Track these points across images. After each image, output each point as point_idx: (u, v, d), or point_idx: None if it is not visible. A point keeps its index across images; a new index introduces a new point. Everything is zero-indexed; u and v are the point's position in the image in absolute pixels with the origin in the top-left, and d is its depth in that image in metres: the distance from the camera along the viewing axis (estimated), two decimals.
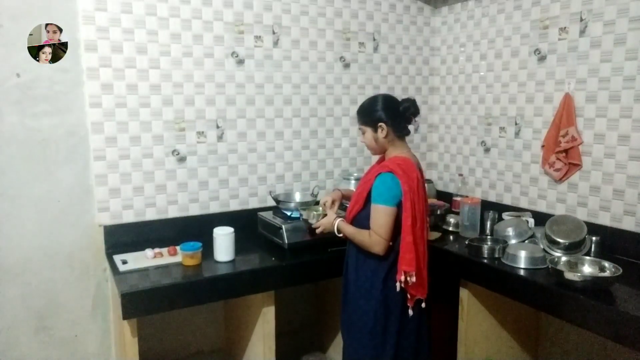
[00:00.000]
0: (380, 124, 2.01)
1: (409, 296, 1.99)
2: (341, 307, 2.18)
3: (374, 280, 2.01)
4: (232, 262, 2.29)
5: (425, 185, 2.15)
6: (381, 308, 2.00)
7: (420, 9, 3.24)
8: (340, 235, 2.12)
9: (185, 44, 2.54)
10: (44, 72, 2.27)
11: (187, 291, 2.09)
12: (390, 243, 1.96)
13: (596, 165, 2.42)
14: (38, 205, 2.33)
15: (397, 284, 1.96)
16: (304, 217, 2.34)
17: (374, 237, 1.95)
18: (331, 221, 2.16)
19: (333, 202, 2.24)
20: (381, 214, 1.94)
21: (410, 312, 2.01)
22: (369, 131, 2.06)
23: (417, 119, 2.11)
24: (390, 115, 2.02)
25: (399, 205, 1.94)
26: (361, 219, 2.04)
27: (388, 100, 2.07)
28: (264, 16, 2.73)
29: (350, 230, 2.07)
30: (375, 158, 2.26)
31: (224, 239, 2.28)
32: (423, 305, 2.03)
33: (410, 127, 2.12)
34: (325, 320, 2.99)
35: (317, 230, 2.24)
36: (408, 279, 1.93)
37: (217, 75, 2.65)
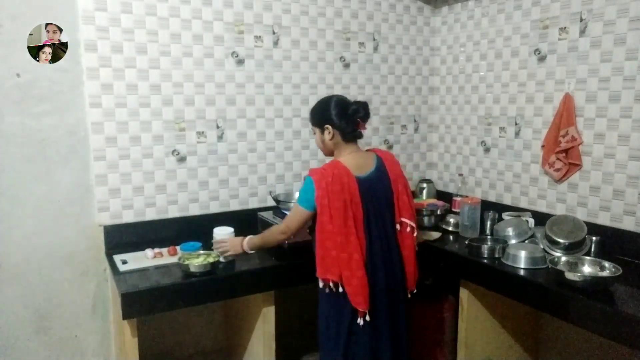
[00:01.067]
0: (326, 125, 1.99)
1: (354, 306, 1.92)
2: None
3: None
4: (232, 261, 2.28)
5: (394, 184, 2.03)
6: (332, 311, 1.97)
7: (420, 9, 3.24)
8: (252, 251, 2.15)
9: (185, 44, 2.54)
10: (44, 72, 2.27)
11: (187, 291, 2.09)
12: (292, 237, 2.06)
13: (596, 165, 2.42)
14: (38, 205, 2.33)
15: (326, 290, 1.93)
16: (186, 262, 2.14)
17: (280, 226, 2.04)
18: (238, 242, 2.16)
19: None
20: (294, 211, 2.01)
21: (360, 321, 1.91)
22: (318, 132, 2.05)
23: (366, 124, 2.03)
24: (338, 117, 1.97)
25: (316, 210, 1.93)
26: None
27: (338, 102, 2.01)
28: (264, 16, 2.73)
29: (258, 238, 2.12)
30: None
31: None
32: (361, 322, 1.90)
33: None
34: None
35: (225, 255, 2.22)
36: (331, 285, 1.90)
37: (217, 75, 2.65)
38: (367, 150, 2.11)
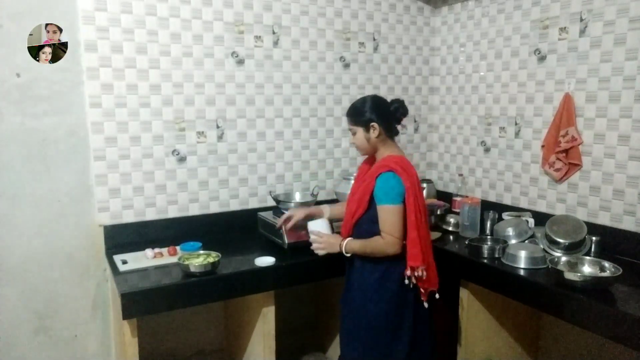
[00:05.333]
0: (372, 123, 2.02)
1: (422, 290, 2.02)
2: (341, 308, 2.17)
3: (382, 282, 2.00)
4: (232, 261, 2.28)
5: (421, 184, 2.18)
6: (392, 308, 2.00)
7: (420, 9, 3.24)
8: (349, 255, 2.06)
9: (185, 44, 2.54)
10: (44, 72, 2.27)
11: (187, 291, 2.09)
12: (404, 241, 1.96)
13: (596, 165, 2.42)
14: (38, 205, 2.33)
15: (406, 280, 1.97)
16: (186, 262, 2.11)
17: (388, 239, 1.95)
18: (336, 243, 2.07)
19: (288, 220, 2.25)
20: (390, 214, 1.94)
21: (426, 304, 2.05)
22: (360, 131, 2.06)
23: (404, 122, 2.15)
24: (381, 115, 2.03)
25: (404, 203, 1.95)
26: (364, 222, 2.03)
27: (378, 101, 2.08)
28: (264, 16, 2.73)
29: (358, 245, 2.02)
30: (361, 159, 2.25)
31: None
32: (437, 296, 2.06)
33: (400, 128, 2.16)
34: (325, 320, 2.99)
35: (320, 253, 2.13)
36: (417, 273, 1.95)
37: (217, 75, 2.65)
38: None
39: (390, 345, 2.02)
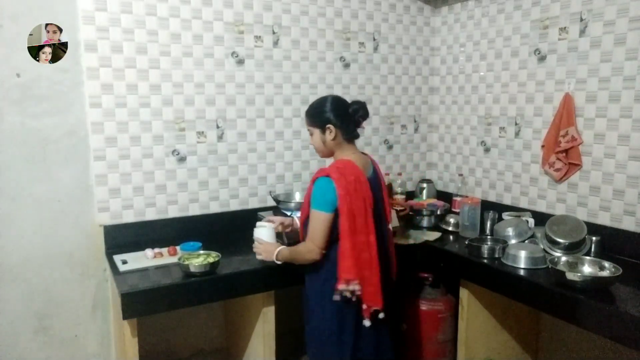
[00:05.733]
0: (328, 125, 1.96)
1: (364, 306, 1.90)
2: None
3: (324, 288, 1.93)
4: (231, 261, 2.28)
5: (383, 186, 2.09)
6: (335, 317, 1.93)
7: (420, 9, 3.24)
8: (279, 262, 2.05)
9: (185, 44, 2.54)
10: (44, 72, 2.26)
11: (187, 291, 2.09)
12: (324, 251, 1.90)
13: (596, 165, 2.42)
14: (38, 205, 2.33)
15: (336, 296, 1.86)
16: (186, 262, 2.12)
17: (308, 245, 1.90)
18: (273, 251, 2.05)
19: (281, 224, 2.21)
20: (315, 220, 1.89)
21: (367, 322, 1.90)
22: (316, 133, 2.00)
23: (366, 124, 2.03)
24: (339, 117, 1.95)
25: (337, 211, 1.86)
26: (308, 222, 1.97)
27: (337, 102, 1.99)
28: (264, 16, 2.73)
29: (287, 253, 2.01)
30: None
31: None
32: (381, 315, 1.91)
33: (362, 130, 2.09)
34: None
35: (258, 258, 2.14)
36: (350, 287, 1.84)
37: (217, 75, 2.65)
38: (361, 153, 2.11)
39: (333, 358, 1.96)
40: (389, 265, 2.08)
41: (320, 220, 1.87)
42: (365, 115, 2.00)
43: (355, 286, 1.85)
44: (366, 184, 1.93)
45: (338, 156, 2.01)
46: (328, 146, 2.01)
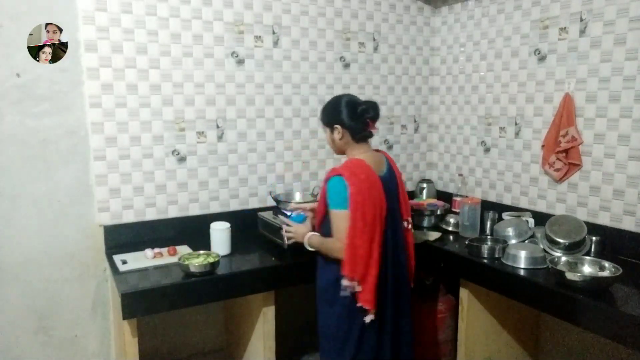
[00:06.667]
0: (336, 125, 1.98)
1: (358, 305, 1.90)
2: None
3: (336, 285, 1.93)
4: (231, 261, 2.29)
5: (400, 182, 2.09)
6: (344, 313, 1.93)
7: (420, 9, 3.24)
8: (311, 249, 2.05)
9: (185, 44, 2.54)
10: (44, 72, 2.26)
11: (187, 291, 2.09)
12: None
13: (596, 165, 2.42)
14: (38, 205, 2.33)
15: (342, 292, 1.88)
16: (186, 262, 2.12)
17: (337, 244, 1.91)
18: (303, 234, 2.08)
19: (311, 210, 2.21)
20: (337, 219, 1.90)
21: (367, 318, 1.91)
22: (327, 131, 2.04)
23: (377, 124, 2.02)
24: (347, 117, 1.96)
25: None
26: (327, 222, 1.98)
27: (348, 102, 1.99)
28: (264, 16, 2.73)
29: (318, 241, 2.02)
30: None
31: (220, 234, 2.31)
32: (368, 319, 1.89)
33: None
34: None
35: (288, 242, 2.17)
36: (352, 284, 1.86)
37: (217, 75, 2.65)
38: (375, 150, 2.12)
39: (339, 353, 1.97)
40: (400, 267, 2.04)
41: (342, 219, 1.89)
42: (375, 116, 1.98)
43: (354, 284, 1.87)
44: (378, 183, 1.93)
45: (349, 155, 2.03)
46: (337, 146, 2.04)
